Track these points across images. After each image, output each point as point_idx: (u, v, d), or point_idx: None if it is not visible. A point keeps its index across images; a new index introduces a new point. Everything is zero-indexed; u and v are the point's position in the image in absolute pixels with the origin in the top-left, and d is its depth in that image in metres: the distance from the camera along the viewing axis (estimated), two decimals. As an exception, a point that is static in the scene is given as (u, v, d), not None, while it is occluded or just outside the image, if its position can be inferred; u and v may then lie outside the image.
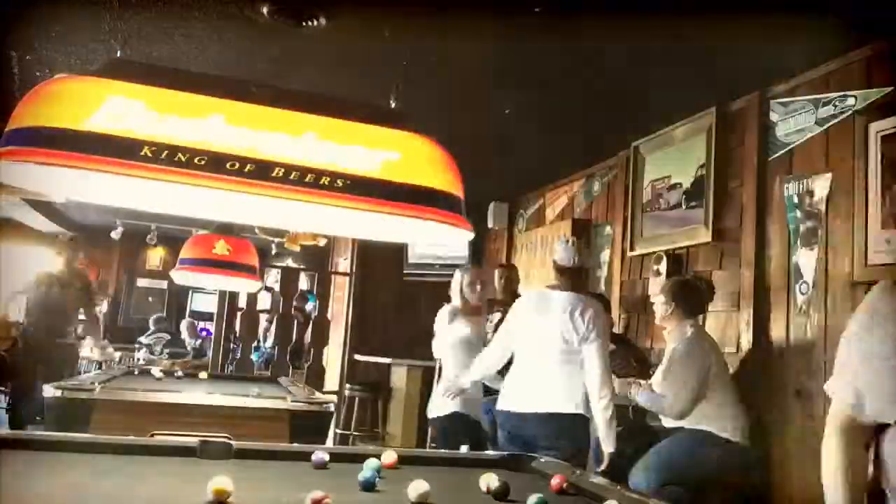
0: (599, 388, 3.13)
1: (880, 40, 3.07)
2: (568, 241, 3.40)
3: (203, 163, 1.68)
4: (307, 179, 1.75)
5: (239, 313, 7.45)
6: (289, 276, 7.99)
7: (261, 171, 1.72)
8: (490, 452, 2.53)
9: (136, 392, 3.35)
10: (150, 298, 10.71)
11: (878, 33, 3.04)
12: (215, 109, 1.77)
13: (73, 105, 1.69)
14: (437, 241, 5.49)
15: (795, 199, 3.45)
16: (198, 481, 1.43)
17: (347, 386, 6.85)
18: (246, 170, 1.71)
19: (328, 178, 1.77)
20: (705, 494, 3.17)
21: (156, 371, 4.76)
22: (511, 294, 4.79)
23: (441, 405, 3.83)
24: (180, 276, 4.93)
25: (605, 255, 5.19)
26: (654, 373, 3.61)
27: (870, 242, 3.00)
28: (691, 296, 3.47)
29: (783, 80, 3.61)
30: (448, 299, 4.15)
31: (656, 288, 4.02)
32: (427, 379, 5.74)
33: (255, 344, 8.50)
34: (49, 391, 2.93)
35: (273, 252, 7.95)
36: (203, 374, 5.03)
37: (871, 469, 1.57)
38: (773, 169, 3.65)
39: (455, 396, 3.67)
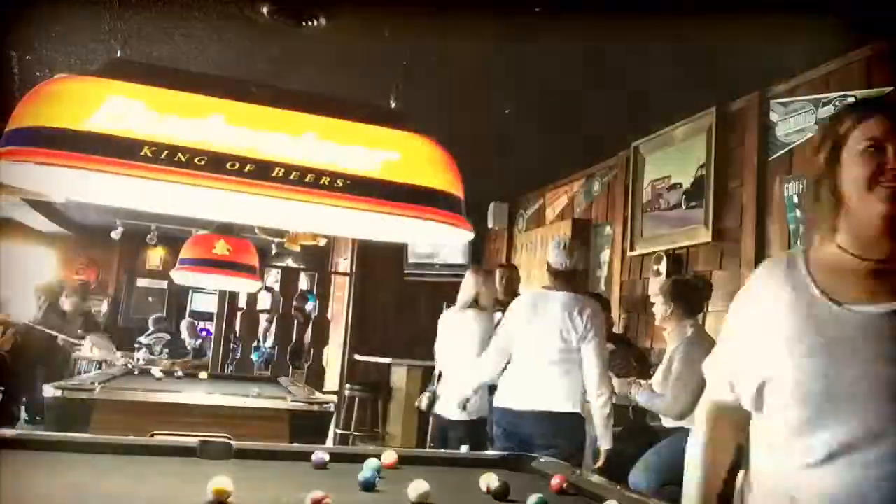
0: (598, 385, 3.16)
1: (880, 40, 3.07)
2: (560, 244, 3.41)
3: (203, 163, 1.68)
4: (307, 179, 1.75)
5: (239, 313, 7.44)
6: (289, 276, 7.99)
7: (261, 171, 1.72)
8: (490, 452, 2.53)
9: (136, 392, 3.35)
10: (150, 298, 10.70)
11: (878, 33, 3.04)
12: (215, 109, 1.77)
13: (73, 105, 1.69)
14: (437, 241, 5.50)
15: (795, 199, 3.45)
16: (198, 481, 1.43)
17: (347, 386, 6.84)
18: (246, 170, 1.71)
19: (328, 178, 1.77)
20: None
21: (156, 371, 4.75)
22: (512, 294, 4.78)
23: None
24: (180, 276, 4.93)
25: (605, 255, 5.19)
26: (654, 373, 3.61)
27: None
28: (690, 295, 3.47)
29: (783, 80, 3.61)
30: (448, 299, 4.16)
31: (656, 288, 4.03)
32: (427, 379, 5.73)
33: (255, 344, 8.49)
34: (49, 391, 2.93)
35: (273, 252, 7.94)
36: (203, 374, 5.03)
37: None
38: (773, 169, 3.65)
39: (464, 406, 3.68)
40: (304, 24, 3.16)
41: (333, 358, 7.47)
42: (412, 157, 1.92)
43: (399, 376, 6.50)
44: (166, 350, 8.10)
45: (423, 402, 4.08)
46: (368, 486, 1.57)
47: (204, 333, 9.28)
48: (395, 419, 6.52)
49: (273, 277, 8.92)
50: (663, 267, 4.37)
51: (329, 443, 4.68)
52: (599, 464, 3.15)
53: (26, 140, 1.64)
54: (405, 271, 7.09)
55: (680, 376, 3.27)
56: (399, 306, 7.14)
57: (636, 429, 3.69)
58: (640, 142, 4.72)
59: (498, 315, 4.26)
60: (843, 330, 1.20)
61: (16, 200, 7.06)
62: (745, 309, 1.37)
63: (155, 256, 10.64)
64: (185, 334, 8.99)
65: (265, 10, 3.08)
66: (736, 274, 3.79)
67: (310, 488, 1.35)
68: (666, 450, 3.26)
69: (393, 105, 2.24)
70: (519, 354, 3.34)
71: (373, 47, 3.45)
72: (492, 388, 3.93)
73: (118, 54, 3.34)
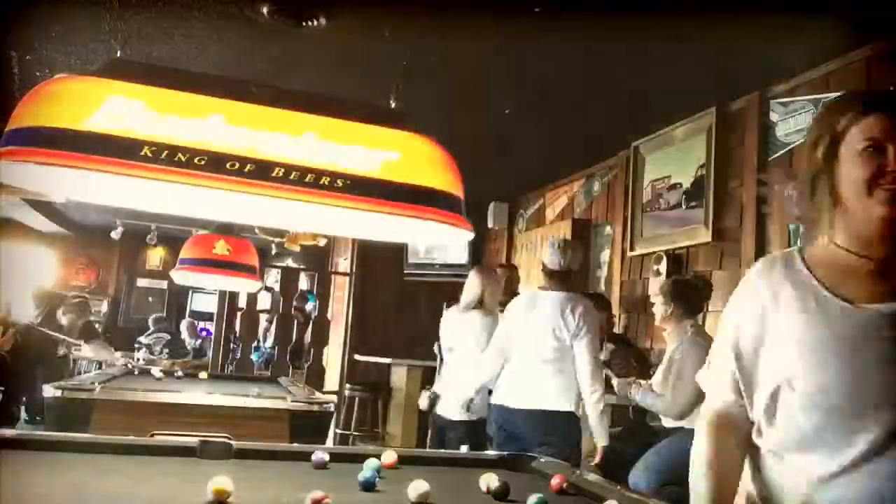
0: (591, 382, 3.20)
1: (880, 40, 3.07)
2: (555, 245, 3.46)
3: (203, 163, 1.68)
4: (307, 179, 1.75)
5: (239, 313, 7.44)
6: (289, 276, 7.99)
7: (261, 171, 1.72)
8: (490, 452, 2.54)
9: (136, 392, 3.35)
10: (150, 298, 10.70)
11: (878, 33, 3.04)
12: (215, 109, 1.77)
13: (73, 105, 1.69)
14: (437, 241, 5.50)
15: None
16: (198, 481, 1.43)
17: (347, 386, 6.84)
18: (246, 170, 1.71)
19: (328, 178, 1.77)
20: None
21: (156, 371, 4.75)
22: (511, 294, 4.78)
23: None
24: (180, 276, 4.93)
25: (605, 255, 5.19)
26: (654, 373, 3.61)
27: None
28: (690, 295, 3.47)
29: (783, 80, 3.61)
30: (448, 299, 4.15)
31: (656, 288, 4.02)
32: (427, 379, 5.73)
33: (255, 344, 8.49)
34: (49, 391, 2.93)
35: (273, 252, 7.94)
36: (203, 374, 5.02)
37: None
38: (773, 169, 3.65)
39: (468, 407, 3.69)
40: (304, 24, 3.16)
41: (333, 358, 7.47)
42: (412, 157, 1.92)
43: (399, 376, 6.50)
44: (166, 350, 8.10)
45: (424, 401, 4.08)
46: (368, 486, 1.57)
47: (204, 333, 9.28)
48: (395, 419, 6.52)
49: (273, 277, 8.92)
50: (663, 267, 4.37)
51: (329, 443, 4.68)
52: (597, 460, 3.17)
53: (26, 140, 1.64)
54: (405, 271, 7.09)
55: (680, 376, 3.27)
56: (399, 306, 7.14)
57: (636, 429, 3.69)
58: (640, 142, 4.72)
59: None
60: (858, 329, 1.15)
61: (16, 200, 7.06)
62: (747, 311, 1.29)
63: (155, 256, 10.64)
64: (185, 334, 8.99)
65: (265, 10, 3.08)
66: (736, 274, 3.79)
67: (310, 488, 1.35)
68: (666, 450, 3.26)
69: (393, 105, 2.24)
70: (515, 353, 3.40)
71: (373, 47, 3.45)
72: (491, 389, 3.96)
73: (118, 54, 3.34)
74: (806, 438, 1.15)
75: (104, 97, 1.69)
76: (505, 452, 2.19)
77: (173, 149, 1.67)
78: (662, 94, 3.94)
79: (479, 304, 3.98)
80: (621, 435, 3.27)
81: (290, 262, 8.61)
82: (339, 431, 6.54)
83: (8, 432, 1.88)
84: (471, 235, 2.02)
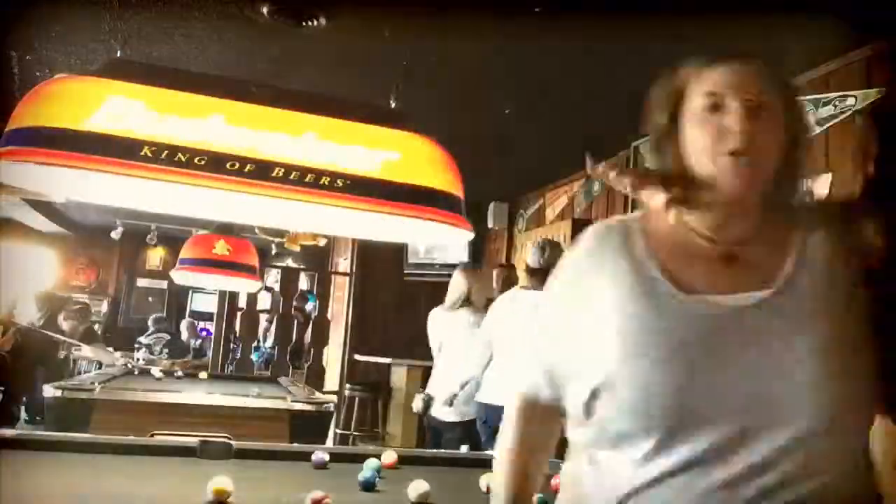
0: None
1: (880, 40, 3.07)
2: (537, 244, 3.60)
3: (203, 163, 1.68)
4: (307, 179, 1.76)
5: (239, 313, 7.45)
6: (289, 276, 7.99)
7: (261, 171, 1.73)
8: (490, 452, 2.54)
9: (136, 392, 3.35)
10: (150, 298, 10.70)
11: (878, 33, 3.04)
12: (215, 109, 1.77)
13: (73, 105, 1.69)
14: (437, 241, 5.50)
15: (795, 199, 3.45)
16: (198, 481, 1.43)
17: (347, 386, 6.84)
18: (246, 170, 1.71)
19: (328, 178, 1.77)
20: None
21: (156, 371, 4.76)
22: (511, 294, 4.81)
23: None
24: (180, 276, 4.94)
25: (605, 255, 5.19)
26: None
27: (869, 242, 3.00)
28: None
29: (783, 79, 3.61)
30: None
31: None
32: (427, 379, 5.73)
33: (255, 344, 8.49)
34: (49, 391, 2.93)
35: (273, 252, 7.94)
36: (203, 374, 5.03)
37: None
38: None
39: (451, 402, 3.73)
40: (304, 24, 3.16)
41: (333, 358, 7.47)
42: (412, 157, 1.92)
43: (399, 376, 6.50)
44: (166, 350, 8.10)
45: (418, 404, 4.07)
46: (368, 486, 1.57)
47: (204, 333, 9.28)
48: (395, 419, 6.52)
49: (273, 277, 8.92)
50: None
51: (329, 443, 4.68)
52: None
53: (26, 140, 1.64)
54: (405, 271, 7.09)
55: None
56: (399, 306, 7.14)
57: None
58: (640, 142, 4.72)
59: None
60: (696, 327, 0.95)
61: (16, 200, 7.06)
62: (573, 289, 1.09)
63: (155, 256, 10.64)
64: (185, 334, 8.98)
65: (265, 10, 3.08)
66: (736, 274, 3.79)
67: (310, 488, 1.35)
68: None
69: (393, 105, 2.25)
70: (497, 351, 3.50)
71: (373, 47, 3.45)
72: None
73: (118, 54, 3.34)
74: (624, 440, 0.96)
75: (104, 97, 1.70)
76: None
77: (173, 149, 1.67)
78: (662, 94, 3.94)
79: (467, 302, 4.02)
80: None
81: (290, 262, 8.61)
82: (339, 431, 6.54)
83: (8, 432, 1.88)
84: (471, 235, 2.03)
